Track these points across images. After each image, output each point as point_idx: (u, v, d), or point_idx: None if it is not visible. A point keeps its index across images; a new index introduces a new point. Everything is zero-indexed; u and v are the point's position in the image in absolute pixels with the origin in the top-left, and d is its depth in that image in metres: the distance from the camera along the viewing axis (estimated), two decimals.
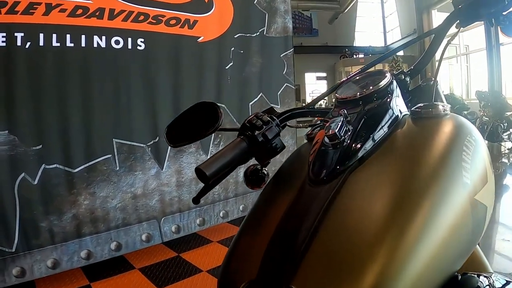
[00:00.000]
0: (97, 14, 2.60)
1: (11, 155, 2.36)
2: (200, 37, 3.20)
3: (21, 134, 2.38)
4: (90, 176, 2.67)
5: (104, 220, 2.76)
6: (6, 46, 2.31)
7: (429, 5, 13.92)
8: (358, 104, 0.91)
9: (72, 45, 2.53)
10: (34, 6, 2.37)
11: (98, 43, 2.63)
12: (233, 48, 3.46)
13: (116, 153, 2.77)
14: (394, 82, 0.96)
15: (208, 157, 1.01)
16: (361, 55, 17.26)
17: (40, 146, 2.46)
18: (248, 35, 3.58)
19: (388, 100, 0.88)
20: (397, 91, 0.94)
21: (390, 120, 0.86)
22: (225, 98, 3.42)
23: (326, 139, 0.83)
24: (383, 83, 0.92)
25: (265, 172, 1.08)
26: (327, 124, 0.84)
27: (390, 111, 0.87)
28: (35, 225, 2.45)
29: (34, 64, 2.41)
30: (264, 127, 0.94)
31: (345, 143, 0.81)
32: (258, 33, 3.67)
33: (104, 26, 2.64)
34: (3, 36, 2.30)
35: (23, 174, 2.40)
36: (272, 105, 3.78)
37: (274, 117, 1.02)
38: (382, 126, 0.84)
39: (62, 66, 2.51)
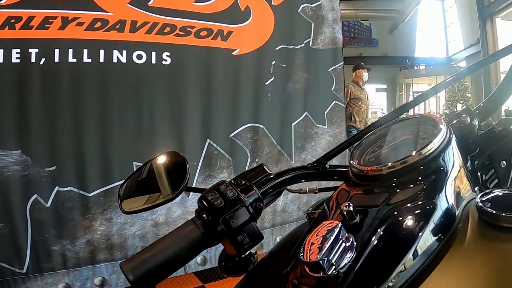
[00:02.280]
0: (117, 27, 2.38)
1: (23, 176, 2.23)
2: (235, 49, 2.87)
3: (34, 154, 2.25)
4: (107, 200, 2.45)
5: (121, 247, 2.52)
6: (20, 63, 2.17)
7: (492, 13, 12.82)
8: (386, 185, 0.52)
9: (89, 60, 2.32)
10: (50, 20, 2.20)
11: (118, 58, 2.40)
12: (274, 62, 3.10)
13: None
14: (453, 141, 0.55)
15: None
16: (422, 67, 16.36)
17: (54, 167, 2.29)
18: (291, 47, 3.20)
19: (441, 179, 0.48)
20: (456, 156, 0.54)
21: (441, 222, 0.46)
22: (264, 118, 3.06)
23: (306, 268, 0.45)
24: (434, 145, 0.52)
25: (252, 252, 0.71)
26: (311, 235, 0.46)
27: (442, 201, 0.47)
28: (47, 248, 2.32)
29: (49, 81, 2.24)
30: (228, 208, 0.60)
31: (341, 277, 0.43)
32: (303, 44, 3.28)
33: (125, 40, 2.41)
34: (17, 53, 2.16)
35: (35, 196, 2.27)
36: (318, 125, 3.39)
37: (254, 188, 0.65)
38: (423, 238, 0.45)
39: (78, 83, 2.32)
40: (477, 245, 0.46)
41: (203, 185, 2.80)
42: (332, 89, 3.51)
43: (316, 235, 0.46)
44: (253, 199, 0.63)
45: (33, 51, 2.18)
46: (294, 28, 3.21)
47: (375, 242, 0.45)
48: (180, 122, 2.67)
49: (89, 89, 2.35)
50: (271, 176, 0.70)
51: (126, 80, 2.46)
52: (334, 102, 3.50)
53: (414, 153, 0.52)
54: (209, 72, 2.78)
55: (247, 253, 0.71)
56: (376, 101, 16.82)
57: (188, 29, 2.63)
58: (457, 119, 0.69)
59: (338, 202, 0.56)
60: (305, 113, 3.31)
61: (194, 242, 0.60)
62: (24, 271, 2.26)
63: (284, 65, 3.17)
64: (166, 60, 2.57)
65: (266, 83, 3.07)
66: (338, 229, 0.45)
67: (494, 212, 0.46)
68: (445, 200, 0.49)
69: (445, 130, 0.56)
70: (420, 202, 0.48)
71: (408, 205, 0.48)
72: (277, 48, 3.11)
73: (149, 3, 2.47)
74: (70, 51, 2.26)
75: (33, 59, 2.18)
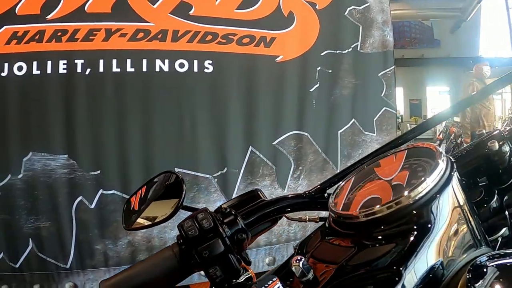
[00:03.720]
0: (159, 36, 2.42)
1: (69, 179, 2.37)
2: (278, 56, 2.81)
3: (80, 159, 2.37)
4: None
5: (161, 249, 2.56)
6: (67, 73, 2.29)
7: None
8: (360, 236, 0.45)
9: (132, 70, 2.39)
10: (94, 32, 2.30)
11: (160, 67, 2.44)
12: (319, 68, 3.00)
13: None
14: (455, 180, 0.46)
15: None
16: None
17: (99, 171, 2.40)
18: (337, 51, 3.08)
19: (425, 235, 0.40)
20: (457, 200, 0.44)
21: None
22: (309, 126, 2.97)
23: None
24: (426, 187, 0.43)
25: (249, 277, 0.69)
26: None
27: (413, 268, 0.38)
28: (90, 247, 2.44)
29: (94, 90, 2.36)
30: (203, 238, 0.58)
31: None
32: (351, 49, 3.14)
33: (167, 49, 2.45)
34: (64, 64, 2.29)
35: (80, 198, 2.40)
36: (367, 133, 3.24)
37: (238, 218, 0.62)
38: None
39: (122, 92, 2.40)
40: None
41: (243, 192, 2.78)
42: (382, 94, 3.34)
43: None
44: (234, 230, 0.60)
45: (79, 62, 2.29)
46: (341, 32, 3.09)
47: None
48: (222, 129, 2.66)
49: (133, 98, 2.42)
50: (261, 205, 0.66)
51: (168, 88, 2.50)
52: (384, 108, 3.33)
53: (401, 197, 0.43)
54: (252, 79, 2.75)
55: (242, 279, 0.68)
56: (436, 106, 16.08)
57: (230, 36, 2.61)
58: (483, 144, 0.58)
59: (307, 248, 0.50)
60: (353, 120, 3.18)
61: (170, 269, 0.61)
62: (68, 266, 2.39)
63: (330, 71, 3.06)
64: (208, 68, 2.57)
65: (311, 90, 2.98)
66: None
67: None
68: (423, 265, 0.39)
69: (443, 166, 0.46)
70: (383, 268, 0.39)
71: (368, 269, 0.39)
72: (322, 54, 3.01)
73: (190, 12, 2.49)
74: (114, 61, 2.34)
75: (79, 70, 2.30)
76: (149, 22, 2.39)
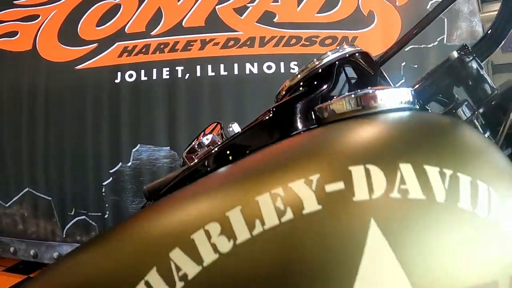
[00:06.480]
0: (248, 43, 2.64)
1: (170, 167, 2.67)
2: None
3: (180, 150, 2.63)
4: None
5: None
6: (169, 79, 2.65)
7: None
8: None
9: (226, 73, 2.64)
10: (191, 43, 2.62)
11: (250, 70, 2.65)
12: (404, 63, 2.98)
13: None
14: (358, 58, 0.61)
15: None
16: None
17: None
18: (422, 46, 3.02)
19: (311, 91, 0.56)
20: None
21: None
22: None
23: None
24: (326, 57, 0.58)
25: None
26: None
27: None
28: None
29: (192, 92, 2.66)
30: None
31: None
32: (436, 42, 3.06)
33: (256, 54, 2.66)
34: (167, 71, 2.63)
35: None
36: None
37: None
38: None
39: (217, 93, 2.66)
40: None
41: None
42: None
43: None
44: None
45: (179, 69, 2.62)
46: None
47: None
48: None
49: (226, 98, 2.67)
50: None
51: (258, 89, 2.67)
52: None
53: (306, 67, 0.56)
54: None
55: None
56: None
57: (313, 39, 2.73)
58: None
59: None
60: None
61: None
62: None
63: (416, 66, 3.01)
64: (293, 69, 2.70)
65: (397, 86, 2.97)
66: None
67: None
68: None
69: (345, 47, 0.56)
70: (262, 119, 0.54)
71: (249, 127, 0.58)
72: (406, 49, 2.99)
73: (275, 20, 2.67)
74: (209, 66, 2.62)
75: (179, 75, 2.63)
76: (238, 31, 2.64)
